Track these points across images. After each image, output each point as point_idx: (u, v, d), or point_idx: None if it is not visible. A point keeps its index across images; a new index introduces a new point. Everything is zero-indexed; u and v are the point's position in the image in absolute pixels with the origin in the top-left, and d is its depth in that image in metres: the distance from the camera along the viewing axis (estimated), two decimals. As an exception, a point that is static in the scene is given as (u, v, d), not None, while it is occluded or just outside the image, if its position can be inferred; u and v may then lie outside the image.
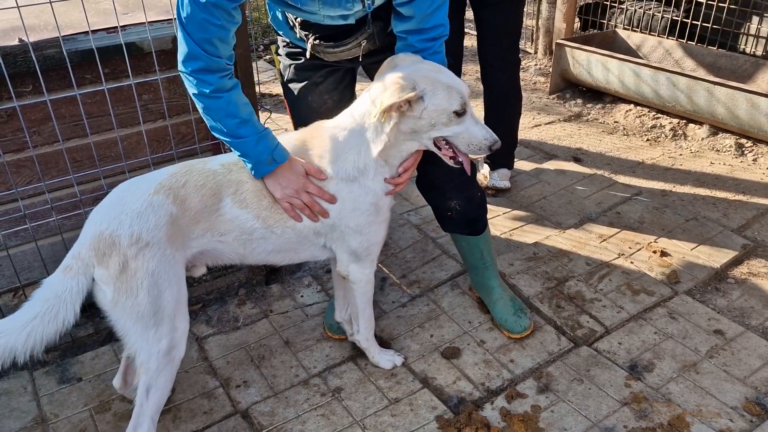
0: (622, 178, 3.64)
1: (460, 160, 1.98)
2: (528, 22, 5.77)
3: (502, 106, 3.45)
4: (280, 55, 2.34)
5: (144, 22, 2.15)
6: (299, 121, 2.33)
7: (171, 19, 2.23)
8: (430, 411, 2.18)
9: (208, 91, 1.83)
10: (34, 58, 2.04)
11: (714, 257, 2.91)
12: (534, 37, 5.73)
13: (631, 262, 2.89)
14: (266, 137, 1.93)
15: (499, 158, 3.49)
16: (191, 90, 1.87)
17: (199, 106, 1.90)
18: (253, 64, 2.51)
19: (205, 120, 1.94)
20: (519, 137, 3.75)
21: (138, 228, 1.78)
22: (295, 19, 2.07)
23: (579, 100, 4.74)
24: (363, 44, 2.11)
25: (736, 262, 2.89)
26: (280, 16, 2.14)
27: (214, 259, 2.04)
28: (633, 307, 2.62)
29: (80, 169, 2.33)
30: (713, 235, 3.06)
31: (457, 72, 3.12)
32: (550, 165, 3.81)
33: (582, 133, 4.27)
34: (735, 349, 2.40)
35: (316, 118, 2.16)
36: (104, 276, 1.77)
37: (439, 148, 1.97)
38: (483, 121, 1.99)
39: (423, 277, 2.86)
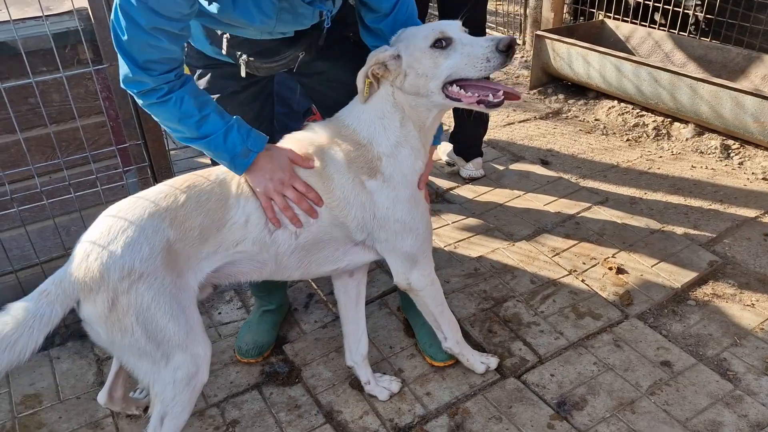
0: (590, 183, 3.35)
1: (491, 100, 1.66)
2: (517, 10, 5.47)
3: None
4: (189, 65, 2.08)
5: (9, 20, 1.95)
6: None
7: (40, 17, 2.02)
8: (325, 452, 1.96)
9: (155, 98, 1.61)
10: None
11: (675, 275, 2.62)
12: (522, 27, 5.42)
13: (582, 280, 2.63)
14: (234, 128, 1.71)
15: (473, 149, 3.44)
16: (140, 103, 1.67)
17: (153, 115, 1.71)
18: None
19: (168, 132, 1.73)
20: (487, 137, 3.70)
21: (130, 259, 1.56)
22: (222, 34, 1.80)
23: (561, 96, 4.44)
24: (301, 55, 1.91)
25: (699, 281, 2.61)
26: (200, 31, 1.83)
27: (232, 276, 1.82)
28: (574, 333, 2.36)
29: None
30: (678, 250, 2.77)
31: None
32: (515, 168, 3.54)
33: (557, 133, 3.98)
34: (681, 384, 2.13)
35: None
36: (92, 315, 1.58)
37: (459, 100, 1.69)
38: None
39: (351, 294, 2.63)
